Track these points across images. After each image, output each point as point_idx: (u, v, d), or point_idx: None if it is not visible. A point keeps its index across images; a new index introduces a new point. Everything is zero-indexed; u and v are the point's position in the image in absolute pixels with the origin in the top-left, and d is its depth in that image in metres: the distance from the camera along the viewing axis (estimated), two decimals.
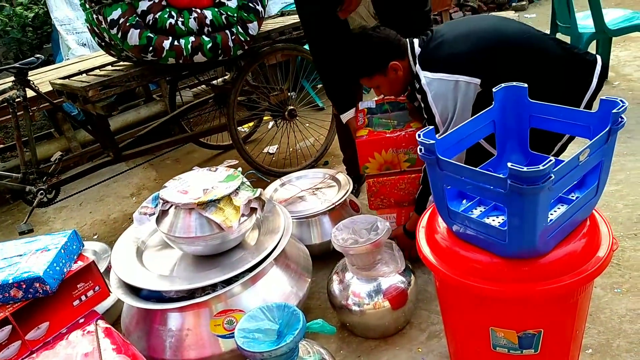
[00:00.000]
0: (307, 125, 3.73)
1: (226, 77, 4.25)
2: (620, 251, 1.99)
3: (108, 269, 2.29)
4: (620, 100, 1.19)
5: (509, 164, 1.05)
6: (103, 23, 2.55)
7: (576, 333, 1.38)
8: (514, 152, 1.46)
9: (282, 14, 4.05)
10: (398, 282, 1.83)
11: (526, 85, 1.40)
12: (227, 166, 2.03)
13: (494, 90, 1.41)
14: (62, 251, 1.62)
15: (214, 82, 4.00)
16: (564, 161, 1.13)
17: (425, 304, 1.99)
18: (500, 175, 1.09)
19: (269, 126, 4.30)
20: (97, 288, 1.71)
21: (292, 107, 3.32)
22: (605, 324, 1.70)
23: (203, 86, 4.70)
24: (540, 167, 1.03)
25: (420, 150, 1.26)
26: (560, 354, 1.38)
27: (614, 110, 1.16)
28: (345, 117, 2.46)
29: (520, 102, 1.41)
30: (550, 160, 1.05)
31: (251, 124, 4.25)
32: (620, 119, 1.19)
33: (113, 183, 3.95)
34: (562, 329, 1.32)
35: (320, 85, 4.86)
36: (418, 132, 1.25)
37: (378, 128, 2.07)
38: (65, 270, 1.60)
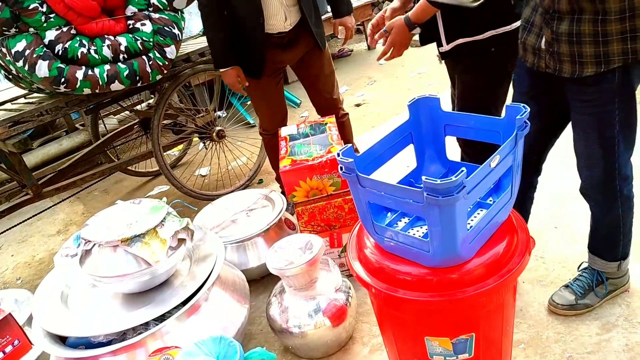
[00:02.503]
0: (239, 143, 3.68)
1: (151, 102, 4.13)
2: (544, 244, 2.08)
3: (31, 318, 2.15)
4: (523, 106, 1.24)
5: (423, 177, 1.07)
6: (7, 55, 2.41)
7: (506, 331, 1.42)
8: (432, 161, 1.50)
9: (203, 33, 3.99)
10: (337, 298, 1.83)
11: (438, 96, 1.43)
12: (158, 193, 1.97)
13: (407, 103, 1.43)
14: None
15: (138, 107, 3.88)
16: (477, 167, 1.16)
17: (365, 316, 2.00)
18: (416, 189, 1.11)
19: (200, 147, 4.21)
20: (16, 342, 1.59)
21: (220, 128, 3.27)
22: (534, 317, 1.77)
23: (128, 112, 4.54)
24: (453, 178, 1.05)
25: (341, 168, 1.26)
26: (494, 354, 1.42)
27: (518, 116, 1.22)
28: (223, 72, 2.50)
29: (434, 113, 1.44)
30: (462, 171, 1.07)
31: (180, 146, 4.14)
32: (524, 124, 1.25)
33: (37, 221, 3.72)
34: (492, 329, 1.36)
35: (249, 101, 4.84)
36: (337, 152, 1.26)
37: (300, 156, 2.08)
38: None
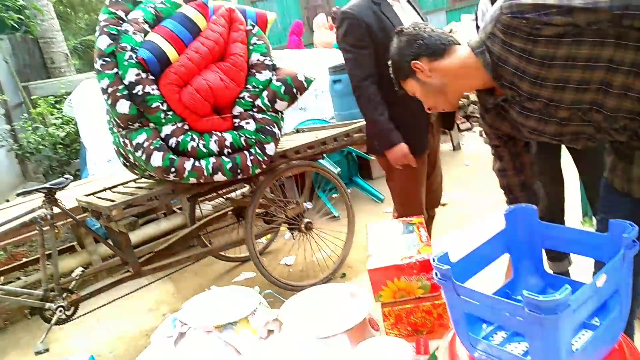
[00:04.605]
0: (323, 235, 3.76)
1: (244, 190, 4.38)
2: None
3: None
4: (630, 224, 1.20)
5: (524, 292, 1.05)
6: (129, 146, 2.72)
7: None
8: (530, 273, 1.46)
9: (297, 131, 4.27)
10: None
11: (535, 207, 1.43)
12: (244, 279, 2.04)
13: (504, 213, 1.44)
14: None
15: (232, 195, 4.13)
16: (582, 284, 1.13)
17: None
18: (517, 304, 1.09)
19: (286, 237, 4.34)
20: None
21: (308, 220, 3.39)
22: None
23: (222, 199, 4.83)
24: (557, 295, 1.03)
25: (436, 274, 1.27)
26: None
27: (625, 235, 1.18)
28: (391, 150, 2.45)
29: (531, 223, 1.43)
30: (567, 288, 1.05)
31: (269, 235, 4.30)
32: (633, 243, 1.20)
33: (131, 298, 3.93)
34: None
35: (336, 195, 4.99)
36: (432, 257, 1.28)
37: None
38: None
